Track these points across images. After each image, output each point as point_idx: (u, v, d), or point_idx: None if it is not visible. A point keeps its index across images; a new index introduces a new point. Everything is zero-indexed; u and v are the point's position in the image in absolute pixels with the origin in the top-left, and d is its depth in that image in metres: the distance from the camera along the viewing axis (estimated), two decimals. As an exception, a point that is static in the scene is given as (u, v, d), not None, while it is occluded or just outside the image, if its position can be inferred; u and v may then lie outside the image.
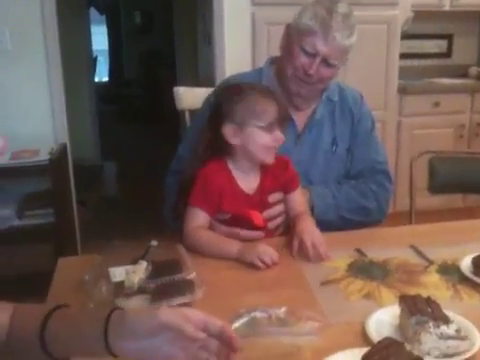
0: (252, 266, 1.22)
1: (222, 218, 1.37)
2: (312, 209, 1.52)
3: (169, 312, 0.75)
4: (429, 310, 0.93)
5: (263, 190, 1.40)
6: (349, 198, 1.58)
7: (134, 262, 1.10)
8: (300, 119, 1.62)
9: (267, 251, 1.24)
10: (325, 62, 1.49)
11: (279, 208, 1.44)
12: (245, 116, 1.32)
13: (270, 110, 1.33)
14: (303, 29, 1.49)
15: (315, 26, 1.46)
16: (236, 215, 1.36)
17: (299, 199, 1.46)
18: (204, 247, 1.29)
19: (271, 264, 1.23)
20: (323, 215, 1.52)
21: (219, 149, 1.38)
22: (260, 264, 1.22)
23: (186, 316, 0.75)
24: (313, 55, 1.48)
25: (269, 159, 1.37)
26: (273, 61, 1.66)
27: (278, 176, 1.42)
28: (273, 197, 1.43)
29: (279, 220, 1.45)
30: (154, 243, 1.17)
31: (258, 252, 1.23)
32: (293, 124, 1.60)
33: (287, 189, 1.44)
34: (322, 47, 1.47)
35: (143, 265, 1.08)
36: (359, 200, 1.59)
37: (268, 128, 1.33)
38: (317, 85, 1.56)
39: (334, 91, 1.65)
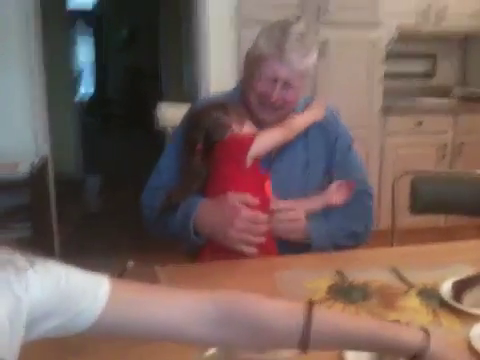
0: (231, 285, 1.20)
1: None
2: (309, 241, 1.48)
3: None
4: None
5: None
6: (341, 226, 1.53)
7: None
8: None
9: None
10: (286, 85, 1.46)
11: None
12: (241, 115, 1.46)
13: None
14: (259, 55, 1.46)
15: (270, 50, 1.44)
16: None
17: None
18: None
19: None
20: (320, 247, 1.48)
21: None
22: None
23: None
24: (273, 80, 1.45)
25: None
26: (239, 84, 1.64)
27: None
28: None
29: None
30: (130, 264, 1.14)
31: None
32: None
33: None
34: (280, 71, 1.44)
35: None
36: (350, 226, 1.54)
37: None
38: (282, 110, 1.51)
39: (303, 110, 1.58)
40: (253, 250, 1.37)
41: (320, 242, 1.49)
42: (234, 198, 1.36)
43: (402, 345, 0.78)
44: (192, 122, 1.49)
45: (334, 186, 1.51)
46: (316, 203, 1.51)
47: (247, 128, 1.46)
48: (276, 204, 1.44)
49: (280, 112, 1.51)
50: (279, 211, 1.43)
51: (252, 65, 1.50)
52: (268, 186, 1.45)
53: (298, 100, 1.54)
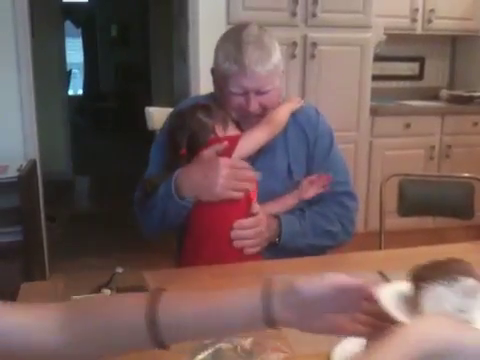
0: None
1: None
2: (279, 236, 1.49)
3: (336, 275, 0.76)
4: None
5: None
6: (314, 224, 1.54)
7: (97, 290, 1.08)
8: None
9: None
10: (259, 92, 1.45)
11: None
12: (225, 117, 1.45)
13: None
14: (223, 73, 1.46)
15: (231, 67, 1.43)
16: None
17: None
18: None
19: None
20: (290, 242, 1.50)
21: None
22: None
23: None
24: (244, 93, 1.45)
25: None
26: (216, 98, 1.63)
27: None
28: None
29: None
30: (119, 270, 1.14)
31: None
32: None
33: None
34: (247, 84, 1.43)
35: (106, 293, 1.06)
36: (324, 224, 1.54)
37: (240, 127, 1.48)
38: (265, 112, 1.50)
39: None
40: (241, 194, 1.39)
41: (291, 237, 1.50)
42: (208, 152, 1.37)
43: (246, 292, 0.75)
44: (177, 123, 1.48)
45: (306, 181, 1.52)
46: (291, 200, 1.52)
47: (231, 130, 1.45)
48: (254, 207, 1.44)
49: (263, 116, 1.50)
50: (242, 227, 1.42)
51: (219, 83, 1.50)
52: (253, 189, 1.44)
53: (277, 100, 1.52)
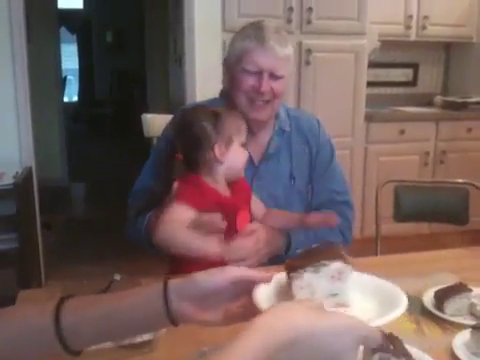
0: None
1: None
2: (287, 249, 1.49)
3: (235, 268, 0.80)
4: (391, 347, 0.94)
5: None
6: (316, 234, 1.53)
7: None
8: (256, 151, 1.56)
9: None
10: (272, 76, 1.46)
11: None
12: (232, 133, 1.35)
13: (244, 127, 1.40)
14: (240, 52, 1.47)
15: (250, 44, 1.45)
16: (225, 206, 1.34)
17: (258, 204, 1.48)
18: (180, 239, 1.25)
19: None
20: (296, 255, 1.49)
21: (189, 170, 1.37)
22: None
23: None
24: (258, 72, 1.45)
25: (242, 173, 1.42)
26: (223, 94, 1.62)
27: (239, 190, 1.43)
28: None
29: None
30: (117, 277, 1.14)
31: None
32: (249, 156, 1.51)
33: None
34: (263, 61, 1.44)
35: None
36: (326, 235, 1.54)
37: (244, 145, 1.39)
38: (273, 103, 1.50)
39: (285, 121, 1.60)
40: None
41: (295, 254, 1.47)
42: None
43: (147, 292, 0.77)
44: (181, 124, 1.41)
45: (318, 216, 1.49)
46: (297, 219, 1.51)
47: (233, 150, 1.36)
48: (251, 226, 1.40)
49: (270, 106, 1.50)
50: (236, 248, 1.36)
51: (234, 66, 1.49)
52: (244, 216, 1.40)
53: (285, 91, 1.53)
